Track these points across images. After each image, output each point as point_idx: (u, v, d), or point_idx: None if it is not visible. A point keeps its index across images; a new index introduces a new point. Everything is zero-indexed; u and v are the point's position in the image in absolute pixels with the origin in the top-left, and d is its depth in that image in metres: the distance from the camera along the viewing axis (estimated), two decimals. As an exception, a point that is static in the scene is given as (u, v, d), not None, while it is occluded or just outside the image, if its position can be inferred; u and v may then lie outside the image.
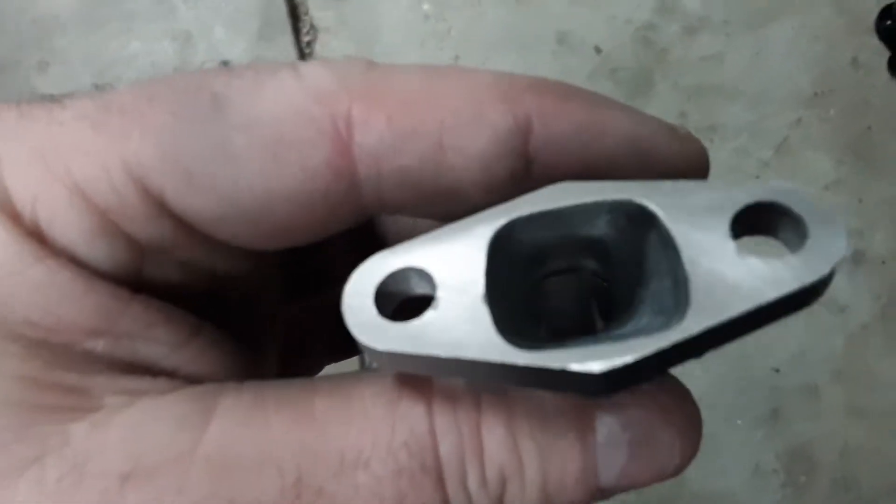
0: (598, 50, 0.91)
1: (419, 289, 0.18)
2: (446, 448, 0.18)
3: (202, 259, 0.20)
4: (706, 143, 0.21)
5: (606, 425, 0.18)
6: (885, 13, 0.87)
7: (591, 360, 0.16)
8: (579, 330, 0.20)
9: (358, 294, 0.18)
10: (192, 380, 0.20)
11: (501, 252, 0.18)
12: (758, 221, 0.17)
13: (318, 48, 0.94)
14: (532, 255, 0.20)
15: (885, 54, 0.88)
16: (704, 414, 0.19)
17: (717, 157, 0.86)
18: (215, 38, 0.93)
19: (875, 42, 0.89)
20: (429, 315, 0.17)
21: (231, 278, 0.22)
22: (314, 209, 0.19)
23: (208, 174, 0.18)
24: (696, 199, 0.17)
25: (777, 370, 0.83)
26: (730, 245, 0.17)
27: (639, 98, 0.89)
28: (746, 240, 0.17)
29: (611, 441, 0.18)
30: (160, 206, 0.19)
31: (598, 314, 0.22)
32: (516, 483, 0.18)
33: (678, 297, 0.17)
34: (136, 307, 0.19)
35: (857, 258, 0.86)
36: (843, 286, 0.84)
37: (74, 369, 0.18)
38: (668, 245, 0.17)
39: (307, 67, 0.19)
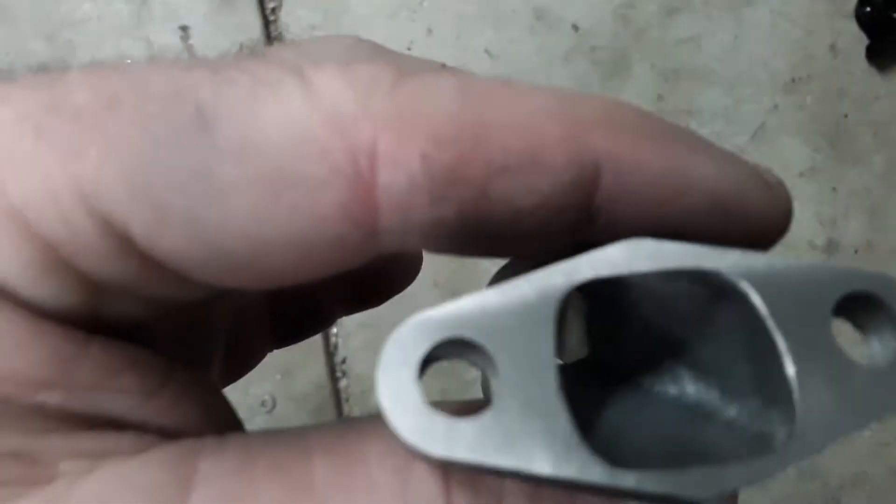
0: (576, 28, 0.88)
1: (469, 360, 0.15)
2: None
3: (174, 294, 0.17)
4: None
5: None
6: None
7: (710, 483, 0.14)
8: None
9: (397, 377, 0.14)
10: (164, 433, 0.17)
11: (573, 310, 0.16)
12: (850, 312, 0.15)
13: (283, 16, 0.89)
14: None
15: (864, 41, 0.87)
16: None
17: (693, 141, 0.85)
18: (173, 2, 0.88)
19: (854, 28, 0.88)
20: (487, 416, 0.14)
21: (208, 314, 0.18)
22: (319, 257, 0.15)
23: (187, 212, 0.14)
24: (797, 283, 0.15)
25: (748, 360, 0.82)
26: (837, 348, 0.15)
27: (616, 79, 0.87)
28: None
29: None
30: (124, 243, 0.15)
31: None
32: None
33: (763, 391, 0.15)
34: (95, 352, 0.16)
35: (830, 248, 0.85)
36: (816, 276, 0.84)
37: (20, 430, 0.15)
38: (756, 332, 0.15)
39: (320, 77, 0.15)
